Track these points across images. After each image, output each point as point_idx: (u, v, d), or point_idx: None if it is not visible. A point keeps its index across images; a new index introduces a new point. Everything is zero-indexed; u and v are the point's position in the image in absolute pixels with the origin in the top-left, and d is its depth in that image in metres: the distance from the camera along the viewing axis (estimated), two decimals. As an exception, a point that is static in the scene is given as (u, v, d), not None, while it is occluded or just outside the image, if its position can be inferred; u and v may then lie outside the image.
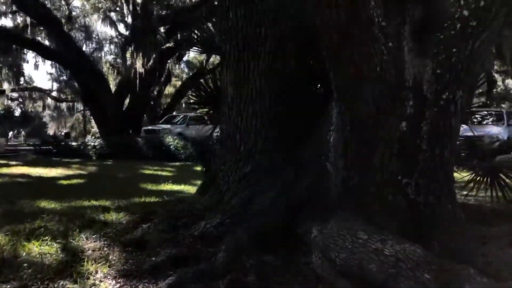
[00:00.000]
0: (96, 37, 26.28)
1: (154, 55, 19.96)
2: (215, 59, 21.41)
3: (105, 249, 3.57)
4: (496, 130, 13.00)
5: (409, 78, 3.46)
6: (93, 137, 18.28)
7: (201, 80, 7.72)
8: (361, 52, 2.98)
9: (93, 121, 27.57)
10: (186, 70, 31.57)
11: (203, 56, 24.19)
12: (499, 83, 22.22)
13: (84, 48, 24.11)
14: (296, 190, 3.84)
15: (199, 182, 5.40)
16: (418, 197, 3.48)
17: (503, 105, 23.36)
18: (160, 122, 21.94)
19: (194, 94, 5.96)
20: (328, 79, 3.31)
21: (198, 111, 7.48)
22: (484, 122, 13.72)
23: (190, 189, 6.86)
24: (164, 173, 10.29)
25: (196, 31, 5.82)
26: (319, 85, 4.40)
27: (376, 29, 3.09)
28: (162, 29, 21.23)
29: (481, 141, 11.81)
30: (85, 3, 23.93)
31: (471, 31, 3.36)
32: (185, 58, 28.18)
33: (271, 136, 4.06)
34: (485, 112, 14.54)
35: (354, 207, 3.46)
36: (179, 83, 28.69)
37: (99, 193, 6.30)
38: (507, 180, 4.75)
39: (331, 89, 3.49)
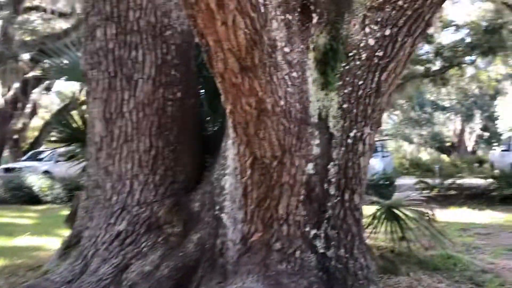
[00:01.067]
0: None
1: (16, 84, 17.76)
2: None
3: None
4: (372, 162, 13.61)
5: (315, 113, 3.04)
6: None
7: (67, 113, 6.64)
8: (264, 82, 2.43)
9: None
10: (57, 101, 28.92)
11: (77, 86, 22.44)
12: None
13: None
14: (185, 249, 3.12)
15: (65, 232, 4.36)
16: (328, 251, 3.05)
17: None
18: (24, 158, 19.46)
19: (56, 129, 4.94)
20: (223, 113, 2.69)
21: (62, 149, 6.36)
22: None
23: (53, 244, 5.64)
24: (23, 221, 8.75)
25: (64, 59, 4.90)
26: (211, 120, 3.76)
27: (280, 55, 2.59)
28: (26, 56, 19.07)
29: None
30: None
31: (377, 62, 3.06)
32: (55, 88, 25.78)
33: (152, 183, 3.30)
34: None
35: (257, 268, 2.87)
36: (49, 115, 26.10)
37: None
38: (404, 217, 4.56)
39: (226, 125, 2.90)
